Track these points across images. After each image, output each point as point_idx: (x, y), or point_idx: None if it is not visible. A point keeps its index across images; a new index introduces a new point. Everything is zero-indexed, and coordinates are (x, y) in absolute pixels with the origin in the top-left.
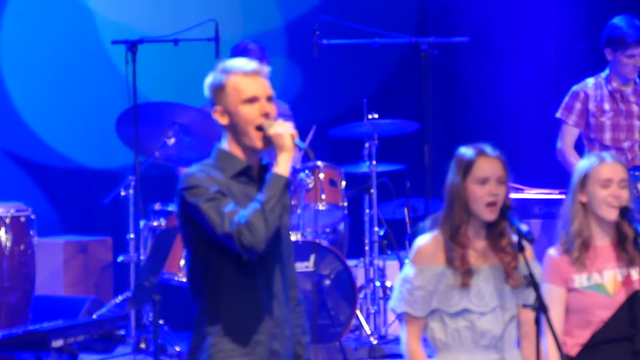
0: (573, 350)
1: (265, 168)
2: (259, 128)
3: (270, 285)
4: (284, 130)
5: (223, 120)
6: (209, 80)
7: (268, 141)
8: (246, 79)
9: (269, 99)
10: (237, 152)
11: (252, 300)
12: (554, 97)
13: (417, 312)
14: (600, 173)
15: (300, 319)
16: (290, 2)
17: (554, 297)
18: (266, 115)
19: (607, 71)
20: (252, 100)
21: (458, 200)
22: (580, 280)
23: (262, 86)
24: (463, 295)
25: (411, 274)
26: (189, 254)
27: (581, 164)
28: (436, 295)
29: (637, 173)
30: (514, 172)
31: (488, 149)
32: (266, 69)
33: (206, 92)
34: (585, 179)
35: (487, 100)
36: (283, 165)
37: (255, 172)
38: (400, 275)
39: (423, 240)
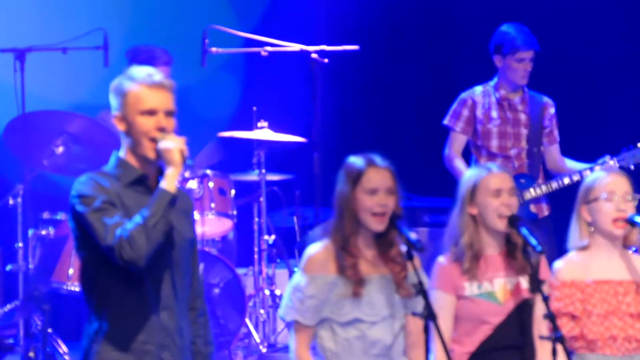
0: (462, 359)
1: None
2: (153, 140)
3: (160, 295)
4: (174, 145)
5: (121, 127)
6: (113, 84)
7: (160, 153)
8: (149, 91)
9: (168, 113)
10: (133, 161)
11: (140, 309)
12: (443, 105)
13: (307, 321)
14: (490, 183)
15: (202, 330)
16: (180, 11)
17: (444, 305)
18: (161, 130)
19: (495, 79)
20: (151, 112)
21: (348, 210)
22: (471, 288)
23: (163, 100)
24: (354, 304)
25: (302, 282)
26: (80, 261)
27: (468, 176)
28: (327, 305)
29: (523, 181)
30: (402, 180)
31: (377, 159)
32: (171, 83)
33: (110, 95)
34: (474, 190)
35: (376, 108)
36: (169, 181)
37: (152, 182)
38: (290, 284)
39: (314, 249)
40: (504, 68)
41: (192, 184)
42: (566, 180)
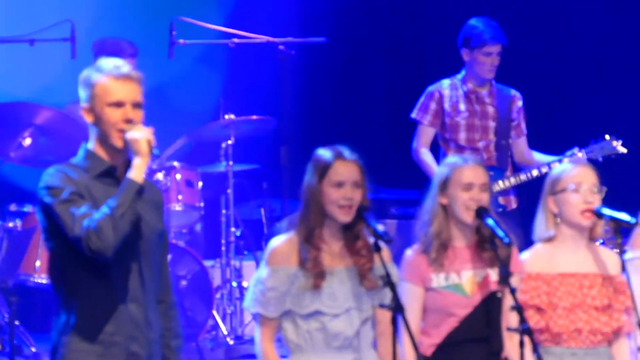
0: (429, 350)
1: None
2: (121, 131)
3: (129, 287)
4: (141, 135)
5: (89, 118)
6: (82, 76)
7: (128, 143)
8: (116, 82)
9: (136, 105)
10: (102, 152)
11: (108, 301)
12: (411, 98)
13: (270, 313)
14: (463, 176)
15: (171, 323)
16: (147, 3)
17: (412, 297)
18: (129, 121)
19: (463, 72)
20: (118, 104)
21: (314, 202)
22: (438, 280)
23: (130, 92)
24: (315, 297)
25: (264, 274)
26: (49, 253)
27: (443, 166)
28: (289, 297)
29: (491, 173)
30: (370, 173)
31: (346, 152)
32: (139, 75)
33: (78, 87)
34: (447, 181)
35: (344, 101)
36: (136, 171)
37: (121, 173)
38: (254, 276)
39: (277, 241)
40: (471, 62)
41: (160, 176)
42: (534, 173)
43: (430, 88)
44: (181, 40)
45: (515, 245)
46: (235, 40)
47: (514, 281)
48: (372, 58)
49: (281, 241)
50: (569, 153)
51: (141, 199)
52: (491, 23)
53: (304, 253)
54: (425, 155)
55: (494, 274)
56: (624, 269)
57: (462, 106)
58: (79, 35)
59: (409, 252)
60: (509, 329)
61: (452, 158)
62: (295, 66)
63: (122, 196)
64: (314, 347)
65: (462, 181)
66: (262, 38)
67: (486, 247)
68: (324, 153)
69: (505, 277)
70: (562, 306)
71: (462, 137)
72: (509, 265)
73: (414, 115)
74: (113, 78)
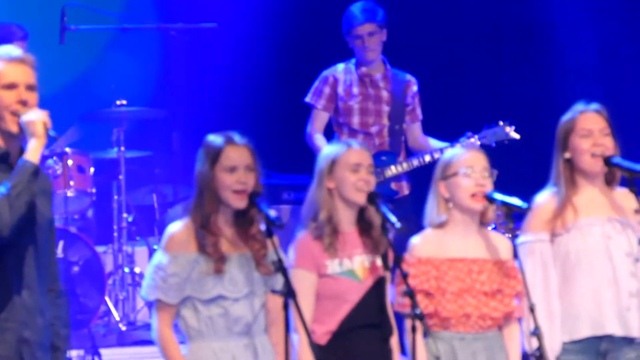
0: (323, 339)
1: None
2: (15, 114)
3: (22, 274)
4: (36, 117)
5: None
6: None
7: (23, 126)
8: (9, 65)
9: (30, 87)
10: None
11: (2, 287)
12: (304, 82)
13: (170, 300)
14: (349, 158)
15: (60, 311)
16: None
17: (305, 283)
18: (23, 103)
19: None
20: (11, 86)
21: (207, 188)
22: (332, 266)
23: (23, 74)
24: (217, 281)
25: (164, 261)
26: None
27: (327, 151)
28: (189, 283)
29: (384, 158)
30: (263, 158)
31: (236, 136)
32: (32, 58)
33: None
34: (333, 164)
35: (236, 86)
36: (32, 152)
37: (14, 160)
38: (152, 263)
39: (175, 227)
40: (352, 47)
41: (51, 162)
42: (427, 158)
43: (325, 72)
44: (73, 26)
45: (405, 230)
46: (127, 25)
47: (404, 266)
48: (263, 42)
49: (178, 228)
50: (462, 139)
51: (36, 180)
52: (366, 5)
53: (202, 239)
54: (319, 140)
55: (379, 260)
56: (515, 254)
57: (355, 90)
58: None
59: (300, 238)
60: (401, 314)
61: (333, 144)
62: (186, 52)
63: (18, 176)
64: (216, 333)
65: (350, 162)
66: (153, 24)
67: (372, 232)
68: (215, 139)
69: (396, 262)
70: (451, 291)
71: (355, 121)
72: (394, 251)
73: (307, 99)
74: (5, 61)
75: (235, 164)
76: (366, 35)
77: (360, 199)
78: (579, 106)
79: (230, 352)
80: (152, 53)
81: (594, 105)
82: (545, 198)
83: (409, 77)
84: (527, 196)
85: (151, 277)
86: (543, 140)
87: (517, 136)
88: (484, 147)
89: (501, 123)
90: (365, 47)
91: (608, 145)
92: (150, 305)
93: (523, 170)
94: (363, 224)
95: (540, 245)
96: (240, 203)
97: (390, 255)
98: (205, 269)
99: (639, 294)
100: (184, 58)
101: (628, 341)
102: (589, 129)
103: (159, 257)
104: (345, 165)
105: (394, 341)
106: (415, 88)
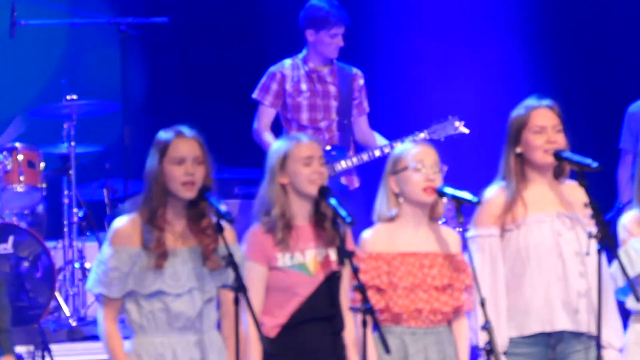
0: (272, 332)
1: None
2: None
3: None
4: None
5: None
6: None
7: None
8: None
9: None
10: None
11: None
12: (254, 77)
13: (112, 294)
14: (300, 152)
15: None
16: None
17: (255, 276)
18: None
19: (304, 52)
20: None
21: (156, 182)
22: (283, 259)
23: None
24: (157, 276)
25: (107, 255)
26: None
27: (277, 147)
28: (131, 277)
29: (334, 152)
30: (213, 152)
31: (185, 130)
32: None
33: None
34: (284, 160)
35: (187, 81)
36: None
37: None
38: (97, 257)
39: (120, 222)
40: (315, 42)
41: (1, 157)
42: (377, 152)
43: (272, 68)
44: (23, 21)
45: (355, 224)
46: (77, 20)
47: (355, 261)
48: (214, 37)
49: (124, 222)
50: (411, 135)
51: None
52: (334, 3)
53: (147, 233)
54: (267, 136)
55: (333, 254)
56: (465, 247)
57: (303, 86)
58: None
59: (252, 231)
60: (352, 309)
61: (282, 139)
62: (137, 46)
63: None
64: (157, 328)
65: (301, 156)
66: (104, 19)
67: (326, 226)
68: (164, 134)
69: (345, 256)
70: (403, 286)
71: (304, 117)
72: (346, 244)
73: (255, 95)
74: None
75: (183, 156)
76: (340, 34)
77: (313, 191)
78: (531, 101)
79: (171, 347)
80: (103, 47)
81: (547, 101)
82: (494, 192)
83: (355, 70)
84: (477, 190)
85: (95, 271)
86: (491, 135)
87: (466, 130)
88: (434, 142)
89: (450, 117)
90: (337, 46)
91: (560, 142)
92: (97, 299)
93: (472, 165)
94: (318, 216)
95: (490, 240)
96: (189, 194)
97: (350, 247)
98: (147, 263)
99: (587, 294)
100: (136, 52)
101: (577, 335)
102: (542, 125)
103: (104, 251)
104: (297, 159)
105: (349, 337)
106: (361, 81)
